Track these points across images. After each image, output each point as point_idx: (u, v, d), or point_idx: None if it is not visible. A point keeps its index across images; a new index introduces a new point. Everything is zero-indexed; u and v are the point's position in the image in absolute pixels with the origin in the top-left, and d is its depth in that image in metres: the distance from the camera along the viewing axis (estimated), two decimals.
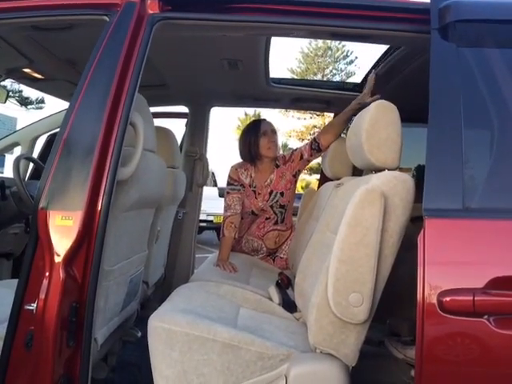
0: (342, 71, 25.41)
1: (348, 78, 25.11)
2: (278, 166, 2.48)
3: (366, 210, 1.20)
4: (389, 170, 1.36)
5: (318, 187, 2.93)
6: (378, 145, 1.34)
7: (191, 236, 2.96)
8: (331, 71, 25.47)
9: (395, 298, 1.51)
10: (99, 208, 1.23)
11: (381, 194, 1.20)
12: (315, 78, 24.37)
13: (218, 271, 2.19)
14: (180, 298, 1.57)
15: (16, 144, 2.95)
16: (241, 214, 2.43)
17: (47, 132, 3.01)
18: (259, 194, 2.46)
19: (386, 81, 2.24)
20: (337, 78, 25.07)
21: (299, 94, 2.78)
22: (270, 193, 2.46)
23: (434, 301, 1.07)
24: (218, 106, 3.11)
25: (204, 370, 1.25)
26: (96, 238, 1.23)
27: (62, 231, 1.21)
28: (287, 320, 1.66)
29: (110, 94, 1.30)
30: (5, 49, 2.01)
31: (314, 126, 24.71)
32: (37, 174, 2.74)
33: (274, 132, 2.48)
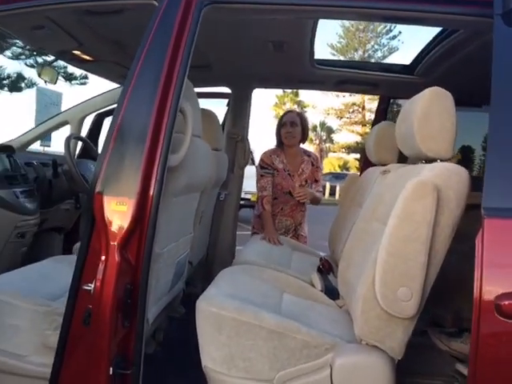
0: (384, 46, 24.43)
1: (390, 53, 24.17)
2: (313, 165, 2.84)
3: (417, 203, 1.17)
4: (441, 160, 1.32)
5: (361, 171, 2.89)
6: (431, 135, 1.30)
7: (233, 216, 3.00)
8: (373, 46, 24.53)
9: (441, 288, 1.48)
10: (151, 194, 1.27)
11: (434, 187, 1.16)
12: (356, 54, 23.60)
13: (260, 254, 2.22)
14: (225, 282, 1.60)
15: (65, 123, 3.06)
16: (274, 194, 2.74)
17: (94, 112, 3.11)
18: (293, 176, 2.78)
19: (438, 64, 2.15)
20: (379, 54, 24.19)
21: (345, 76, 2.70)
22: (306, 181, 2.81)
23: (491, 304, 1.04)
24: (261, 87, 3.09)
25: (250, 354, 1.28)
26: (148, 222, 1.26)
27: (117, 216, 1.25)
28: (330, 307, 1.67)
29: (160, 81, 1.32)
30: (56, 32, 2.06)
31: (354, 104, 23.97)
32: (85, 153, 2.84)
33: (292, 124, 2.79)
